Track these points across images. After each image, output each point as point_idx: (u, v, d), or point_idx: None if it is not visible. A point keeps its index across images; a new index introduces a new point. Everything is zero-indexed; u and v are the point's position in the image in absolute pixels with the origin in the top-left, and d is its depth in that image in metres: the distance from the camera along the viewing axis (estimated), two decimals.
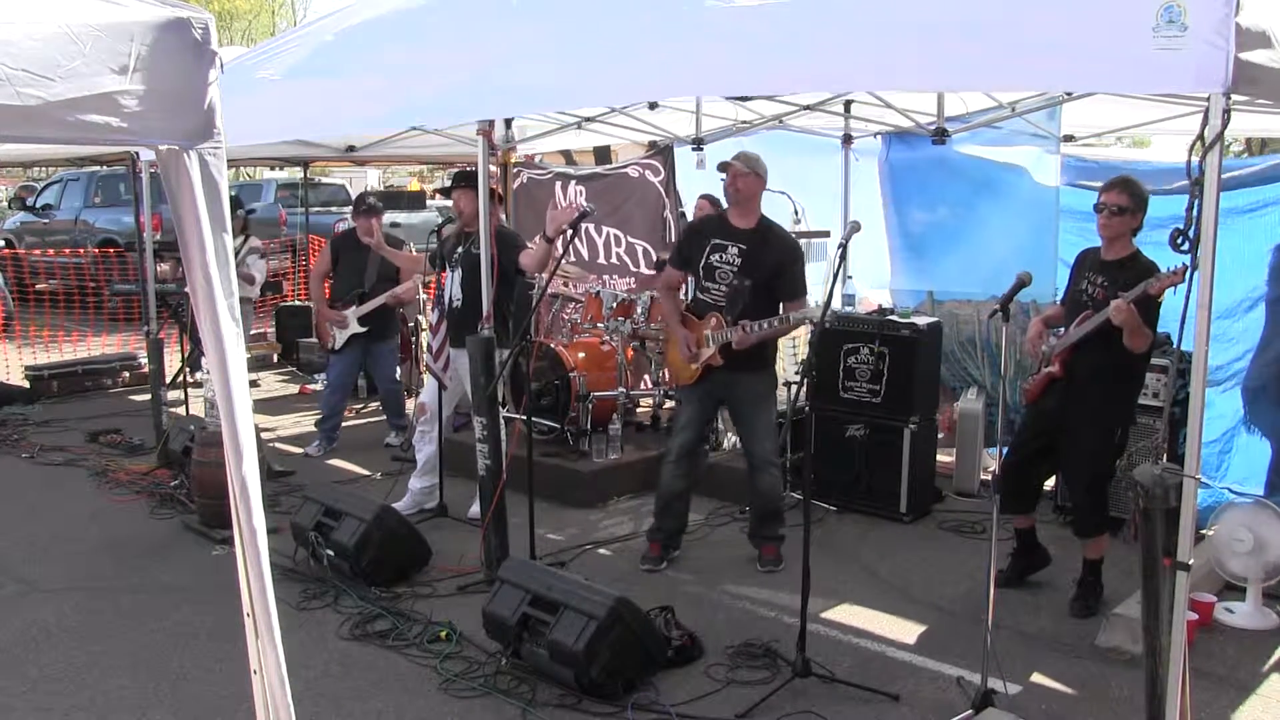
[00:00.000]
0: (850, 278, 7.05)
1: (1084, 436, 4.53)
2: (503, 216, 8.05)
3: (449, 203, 6.04)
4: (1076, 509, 4.74)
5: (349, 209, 17.48)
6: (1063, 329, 4.63)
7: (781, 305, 4.96)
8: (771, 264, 4.92)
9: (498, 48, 4.00)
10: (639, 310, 6.80)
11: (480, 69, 4.01)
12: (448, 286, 5.81)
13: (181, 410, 7.89)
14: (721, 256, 5.01)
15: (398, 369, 7.72)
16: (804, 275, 5.04)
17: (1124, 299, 4.16)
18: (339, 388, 7.42)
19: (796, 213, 7.20)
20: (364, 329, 7.13)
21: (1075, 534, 4.74)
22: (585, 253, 8.35)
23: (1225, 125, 2.51)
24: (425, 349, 5.94)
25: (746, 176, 4.91)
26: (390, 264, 7.06)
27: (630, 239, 8.12)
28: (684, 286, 5.57)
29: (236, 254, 7.15)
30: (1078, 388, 4.51)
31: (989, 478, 3.86)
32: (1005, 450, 4.44)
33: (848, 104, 6.57)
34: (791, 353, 6.93)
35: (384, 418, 7.78)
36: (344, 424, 7.81)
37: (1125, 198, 4.41)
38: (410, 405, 8.13)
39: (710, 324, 5.02)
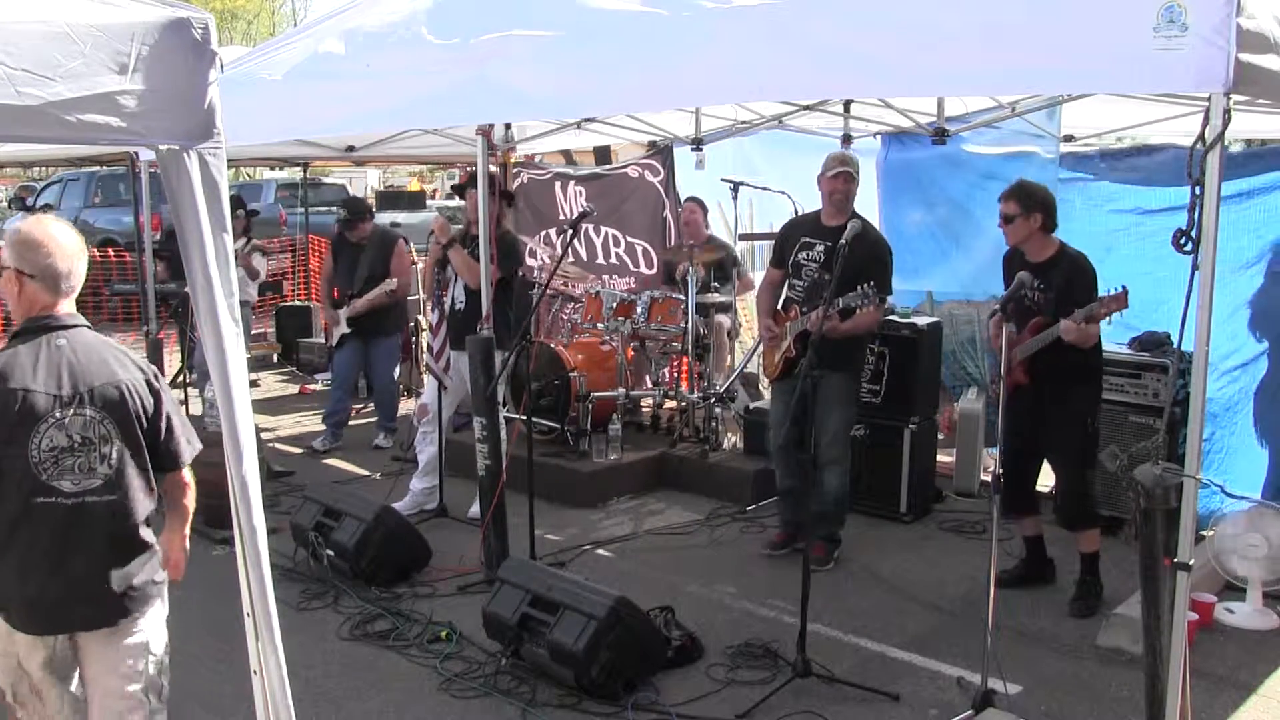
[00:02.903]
0: None
1: (1057, 436, 4.63)
2: (511, 219, 8.05)
3: (449, 203, 6.03)
4: (1061, 502, 4.80)
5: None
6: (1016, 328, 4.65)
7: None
8: (855, 261, 4.64)
9: (500, 51, 3.99)
10: (639, 310, 6.80)
11: (482, 72, 4.01)
12: (450, 290, 5.82)
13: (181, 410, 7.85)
14: (808, 255, 5.06)
15: (397, 368, 7.74)
16: (887, 276, 4.94)
17: (1074, 321, 4.27)
18: (340, 383, 7.55)
19: (797, 213, 7.18)
20: (349, 329, 7.29)
21: (1062, 526, 4.77)
22: (585, 253, 8.35)
23: (1226, 125, 2.51)
24: (425, 349, 5.94)
25: (854, 182, 4.98)
26: (380, 263, 7.23)
27: (630, 239, 8.13)
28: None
29: (239, 253, 7.22)
30: (1042, 390, 4.57)
31: (989, 478, 3.85)
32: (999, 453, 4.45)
33: (847, 104, 6.56)
34: None
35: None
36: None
37: (1011, 205, 4.54)
38: (408, 406, 8.13)
39: (789, 317, 5.08)
